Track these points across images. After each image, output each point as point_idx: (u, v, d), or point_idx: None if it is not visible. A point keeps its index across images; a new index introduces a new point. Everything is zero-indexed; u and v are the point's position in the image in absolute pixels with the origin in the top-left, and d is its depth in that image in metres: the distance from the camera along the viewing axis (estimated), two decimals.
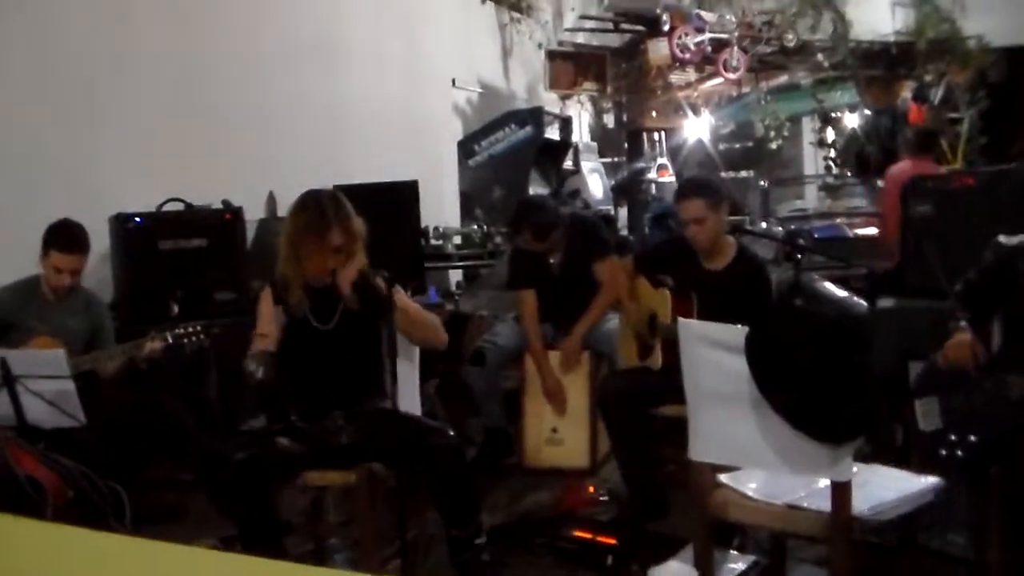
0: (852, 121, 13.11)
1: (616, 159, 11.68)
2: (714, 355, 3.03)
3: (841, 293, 5.78)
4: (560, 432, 5.57)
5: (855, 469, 2.92)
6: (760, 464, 3.10)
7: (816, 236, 7.75)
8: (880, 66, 11.90)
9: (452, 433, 3.81)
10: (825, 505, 2.95)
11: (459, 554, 3.77)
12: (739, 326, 2.95)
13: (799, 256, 4.57)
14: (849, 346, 2.82)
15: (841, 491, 2.86)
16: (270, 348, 3.87)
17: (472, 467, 4.23)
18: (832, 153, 13.75)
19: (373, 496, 3.85)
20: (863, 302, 5.52)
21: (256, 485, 3.63)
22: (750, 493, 3.20)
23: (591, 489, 5.09)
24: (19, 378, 3.85)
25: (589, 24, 11.53)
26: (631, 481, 4.77)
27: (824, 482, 3.05)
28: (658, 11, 10.40)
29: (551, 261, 5.63)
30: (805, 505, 3.06)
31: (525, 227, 5.59)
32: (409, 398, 4.09)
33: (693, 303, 4.58)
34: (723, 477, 3.30)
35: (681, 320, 3.18)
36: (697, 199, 4.57)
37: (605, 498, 4.99)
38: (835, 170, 13.23)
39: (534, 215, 5.60)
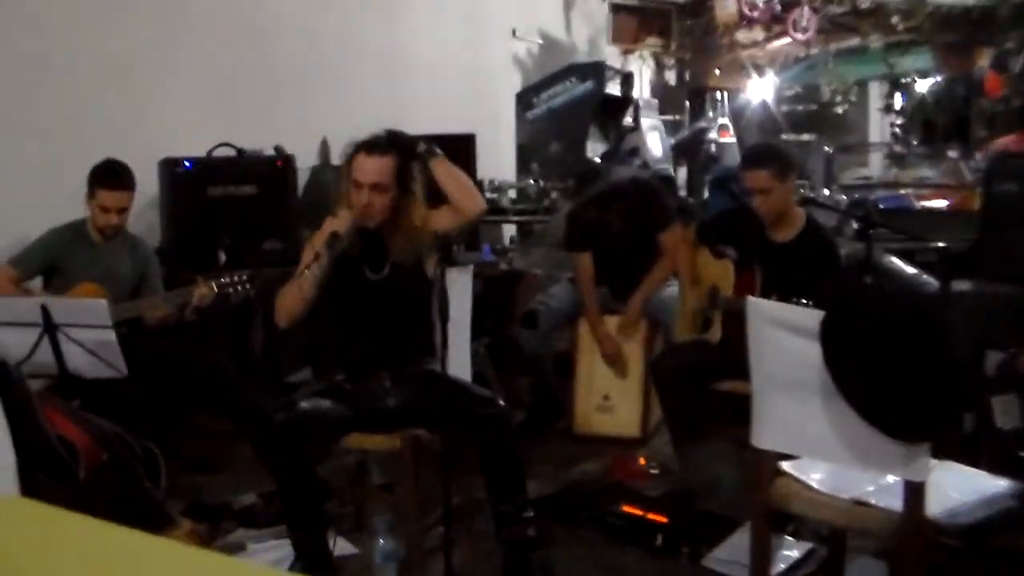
0: (922, 87, 12.75)
1: (677, 117, 11.42)
2: (785, 338, 2.84)
3: (911, 270, 5.60)
4: (612, 399, 5.42)
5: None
6: (828, 456, 2.93)
7: (880, 207, 7.50)
8: (958, 31, 11.48)
9: (502, 402, 3.65)
10: (895, 504, 2.77)
11: (504, 528, 3.62)
12: (814, 309, 2.77)
13: (870, 231, 4.38)
14: (934, 336, 2.62)
15: (915, 491, 2.68)
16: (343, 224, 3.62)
17: (520, 435, 4.06)
18: (898, 120, 13.41)
19: (417, 462, 3.74)
20: (934, 281, 5.32)
21: (296, 447, 3.51)
22: (814, 485, 3.03)
23: (642, 461, 4.95)
24: (60, 327, 3.76)
25: None
26: (684, 458, 4.60)
27: (893, 477, 2.89)
28: None
29: (610, 223, 5.45)
30: (873, 502, 2.89)
31: (586, 196, 5.46)
32: (459, 360, 3.95)
33: (756, 276, 4.39)
34: (785, 465, 3.13)
35: (751, 299, 2.99)
36: (763, 169, 4.35)
37: (655, 471, 4.85)
38: (904, 138, 12.90)
39: (596, 184, 5.46)
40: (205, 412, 4.99)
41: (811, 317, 2.74)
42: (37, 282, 4.64)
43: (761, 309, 2.93)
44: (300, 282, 3.63)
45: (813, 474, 3.09)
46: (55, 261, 4.56)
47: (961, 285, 4.97)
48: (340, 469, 4.31)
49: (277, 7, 6.87)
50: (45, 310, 3.76)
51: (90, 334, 3.77)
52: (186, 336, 4.70)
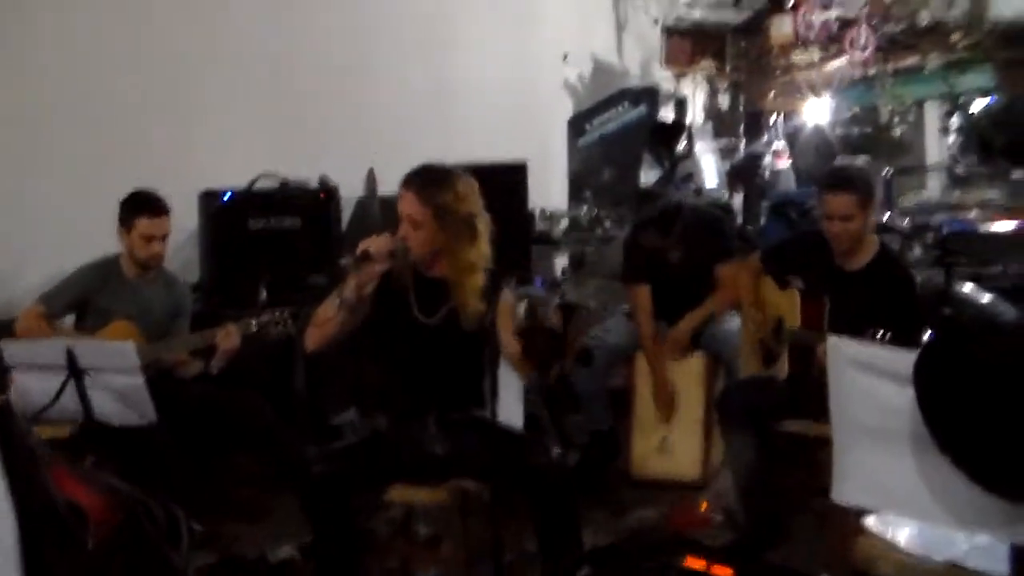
0: (979, 106, 12.41)
1: (731, 141, 11.16)
2: (871, 382, 2.55)
3: (987, 298, 5.28)
4: (670, 441, 5.13)
5: None
6: (920, 515, 2.63)
7: (944, 231, 7.19)
8: (1020, 47, 11.13)
9: (557, 450, 3.40)
10: (998, 568, 2.49)
11: None
12: (905, 350, 2.48)
13: (950, 262, 4.10)
14: None
15: (1022, 557, 2.39)
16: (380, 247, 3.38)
17: (575, 478, 3.79)
18: (953, 140, 13.06)
19: (465, 514, 3.51)
20: (1011, 309, 5.01)
21: (337, 501, 3.28)
22: (902, 544, 2.74)
23: (704, 506, 4.67)
24: (86, 370, 3.56)
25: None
26: (749, 503, 4.30)
27: (987, 538, 2.59)
28: None
29: (668, 254, 5.20)
30: (972, 566, 2.59)
31: (648, 224, 5.27)
32: (509, 407, 3.70)
33: (825, 307, 4.10)
34: (869, 521, 2.85)
35: (831, 339, 2.70)
36: (848, 194, 4.06)
37: (719, 518, 4.56)
38: (960, 159, 12.55)
39: (658, 211, 5.28)
40: (244, 457, 4.77)
41: (902, 359, 2.46)
42: (70, 320, 4.47)
43: (844, 351, 2.64)
44: (327, 305, 3.43)
45: (900, 531, 2.79)
46: (87, 298, 4.39)
47: None
48: (383, 522, 4.07)
49: (321, 36, 6.71)
50: (70, 353, 3.56)
51: (118, 378, 3.58)
52: (222, 378, 4.49)
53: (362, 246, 3.37)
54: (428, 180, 3.47)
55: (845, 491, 2.73)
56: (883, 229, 5.86)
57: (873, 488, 2.67)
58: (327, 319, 3.42)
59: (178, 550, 3.09)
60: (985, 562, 2.58)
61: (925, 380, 2.40)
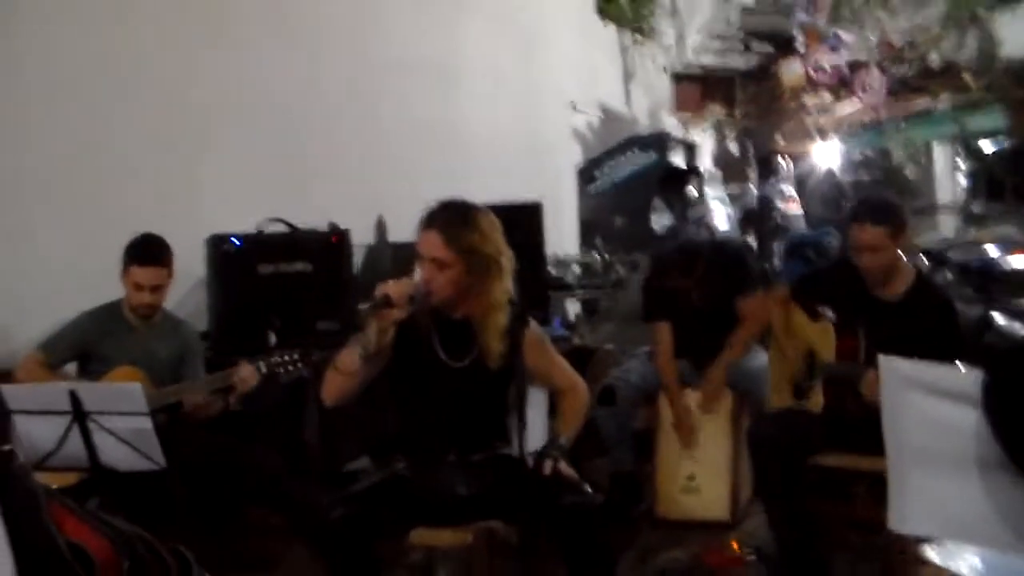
0: (987, 147, 12.36)
1: (741, 187, 11.07)
2: (930, 403, 2.39)
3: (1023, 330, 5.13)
4: (697, 480, 4.97)
5: None
6: (989, 542, 2.44)
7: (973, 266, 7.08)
8: None
9: (588, 488, 3.23)
10: None
11: None
12: (965, 369, 2.32)
13: (989, 287, 3.95)
14: None
15: None
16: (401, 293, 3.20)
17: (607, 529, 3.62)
18: (964, 181, 12.99)
19: (492, 558, 3.32)
20: None
21: (356, 545, 3.11)
22: (967, 574, 2.55)
23: (735, 546, 4.48)
24: (91, 414, 3.39)
25: (716, 44, 10.94)
26: (783, 541, 4.12)
27: None
28: (792, 30, 9.79)
29: (689, 290, 5.06)
30: None
31: (668, 261, 5.24)
32: (536, 443, 3.52)
33: (860, 339, 3.95)
34: (928, 552, 2.66)
35: (883, 359, 2.54)
36: (879, 226, 3.93)
37: (752, 557, 4.38)
38: (973, 200, 12.47)
39: (677, 247, 5.27)
40: (257, 506, 4.59)
41: (963, 378, 2.30)
42: (72, 369, 4.31)
43: (900, 371, 2.48)
44: (345, 354, 3.25)
45: (962, 560, 2.61)
46: (88, 346, 4.24)
47: None
48: (405, 568, 3.88)
49: (332, 80, 6.63)
50: (74, 396, 3.40)
51: (124, 422, 3.40)
52: (231, 424, 4.33)
53: (381, 290, 3.21)
54: (452, 219, 3.31)
55: (904, 519, 2.56)
56: (948, 263, 5.73)
57: (934, 515, 2.49)
58: (348, 372, 3.25)
59: None
60: None
61: (997, 404, 2.24)
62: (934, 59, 10.48)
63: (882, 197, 4.34)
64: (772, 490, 4.15)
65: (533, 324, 3.46)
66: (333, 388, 3.34)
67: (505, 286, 3.37)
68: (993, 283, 5.57)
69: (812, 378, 4.15)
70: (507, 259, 3.38)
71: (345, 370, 3.25)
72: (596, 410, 4.93)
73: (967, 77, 10.73)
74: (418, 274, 3.33)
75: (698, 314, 5.05)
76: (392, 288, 3.20)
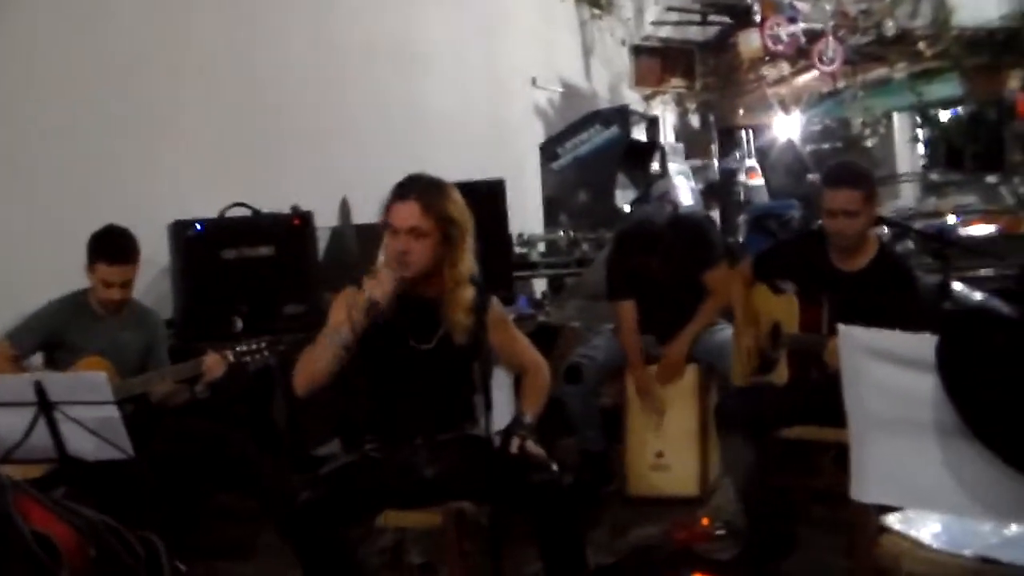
0: (945, 116, 12.50)
1: (704, 161, 11.12)
2: (889, 371, 2.41)
3: (979, 296, 5.19)
4: (666, 456, 4.99)
5: None
6: (951, 508, 2.48)
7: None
8: (985, 54, 11.16)
9: (555, 466, 3.25)
10: None
11: None
12: (923, 335, 2.35)
13: (947, 255, 4.00)
14: None
15: None
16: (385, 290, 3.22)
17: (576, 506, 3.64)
18: (922, 150, 13.11)
19: (461, 538, 3.33)
20: (1005, 305, 4.91)
21: (325, 528, 3.12)
22: (928, 541, 2.59)
23: (705, 521, 4.52)
24: (57, 404, 3.37)
25: (674, 17, 10.95)
26: (753, 514, 4.15)
27: (1017, 528, 2.46)
28: (749, 1, 9.82)
29: (652, 267, 5.07)
30: (1003, 559, 2.45)
31: (630, 238, 5.19)
32: (503, 423, 3.54)
33: (824, 310, 3.98)
34: (889, 520, 2.70)
35: (843, 328, 2.56)
36: (855, 189, 3.95)
37: (722, 532, 4.42)
38: (933, 168, 12.59)
39: (639, 224, 5.23)
40: (228, 492, 4.59)
41: (921, 344, 2.32)
42: (38, 358, 4.28)
43: (857, 339, 2.50)
44: (322, 347, 3.26)
45: (924, 528, 2.65)
46: (55, 336, 4.20)
47: None
48: (374, 552, 3.89)
49: (294, 62, 6.60)
50: (39, 387, 3.37)
51: (90, 411, 3.37)
52: (201, 411, 4.32)
53: (368, 294, 3.21)
54: (427, 188, 3.33)
55: (866, 489, 2.58)
56: (894, 224, 5.76)
57: (896, 484, 2.51)
58: (329, 371, 3.26)
59: None
60: (1018, 554, 2.44)
61: (951, 367, 2.27)
62: (889, 27, 10.55)
63: (853, 162, 4.36)
64: (740, 465, 4.15)
65: (495, 302, 3.48)
66: (305, 379, 3.32)
67: (470, 261, 3.38)
68: (952, 252, 5.63)
69: (777, 350, 4.18)
70: (471, 234, 3.39)
71: (327, 369, 3.25)
72: (563, 388, 4.96)
73: (922, 46, 10.82)
74: (383, 255, 3.34)
75: (662, 289, 5.03)
76: (377, 289, 3.21)
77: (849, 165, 4.38)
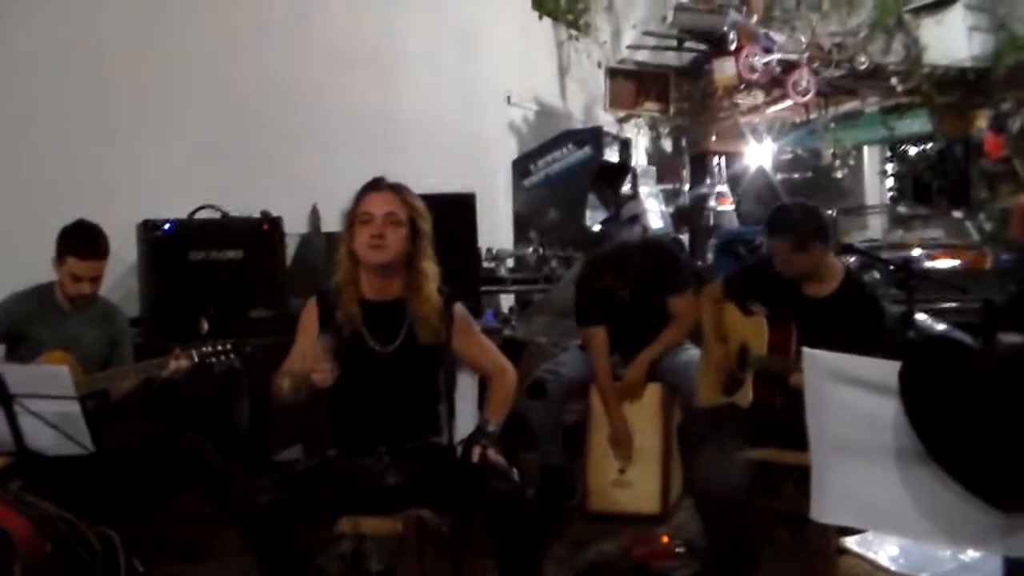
0: (915, 151, 12.64)
1: (675, 185, 11.18)
2: (852, 395, 2.43)
3: (941, 327, 5.25)
4: (628, 474, 5.00)
5: None
6: (909, 532, 2.50)
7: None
8: (955, 92, 11.33)
9: (516, 475, 3.25)
10: None
11: None
12: (886, 360, 2.37)
13: (912, 285, 4.04)
14: None
15: (1017, 570, 2.28)
16: (326, 383, 3.27)
17: (535, 516, 3.64)
18: (891, 183, 13.24)
19: (422, 546, 3.32)
20: (966, 337, 4.96)
21: (284, 532, 3.09)
22: (886, 564, 2.62)
23: (665, 539, 4.52)
24: (17, 397, 3.34)
25: (651, 42, 11.02)
26: (713, 533, 4.16)
27: (974, 553, 2.49)
28: (725, 28, 9.90)
29: (621, 293, 5.09)
30: None
31: (600, 264, 5.18)
32: (465, 433, 3.54)
33: (793, 333, 4.01)
34: (849, 542, 2.73)
35: (807, 351, 2.58)
36: (783, 239, 4.03)
37: (681, 550, 4.42)
38: (901, 201, 12.73)
39: (609, 251, 5.19)
40: (187, 494, 4.55)
41: (884, 369, 2.35)
42: (0, 351, 4.24)
43: (821, 363, 2.52)
44: (291, 388, 3.34)
45: (883, 550, 2.68)
46: (18, 329, 4.16)
47: (1011, 338, 4.59)
48: (333, 558, 3.87)
49: (269, 67, 6.60)
50: None
51: (51, 405, 3.34)
52: (164, 412, 4.29)
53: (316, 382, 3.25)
54: (398, 184, 3.41)
55: (825, 510, 2.60)
56: (860, 252, 5.80)
57: (855, 506, 2.54)
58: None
59: None
60: None
61: (913, 392, 2.29)
62: (862, 62, 10.67)
63: (793, 209, 4.29)
64: (702, 484, 4.16)
65: (460, 307, 3.49)
66: (283, 402, 3.37)
67: (433, 264, 3.41)
68: (917, 283, 5.69)
69: (744, 372, 4.21)
70: (431, 240, 3.43)
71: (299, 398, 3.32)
72: (526, 403, 4.95)
73: (894, 81, 10.95)
74: (340, 263, 3.38)
75: (629, 311, 5.05)
76: (320, 379, 3.23)
77: (785, 211, 4.29)
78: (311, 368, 3.24)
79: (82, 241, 4.18)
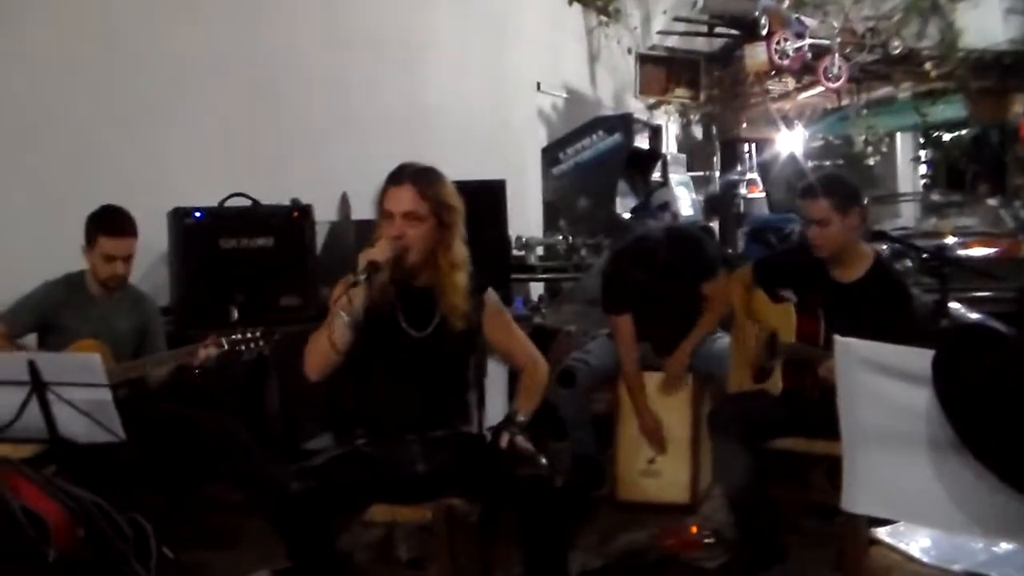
0: (949, 137, 12.50)
1: (706, 173, 11.10)
2: (884, 383, 2.41)
3: (975, 316, 5.20)
4: (658, 463, 4.99)
5: None
6: (941, 523, 2.48)
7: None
8: (991, 77, 11.15)
9: (544, 460, 3.23)
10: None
11: None
12: (920, 349, 2.34)
13: (945, 274, 4.00)
14: None
15: None
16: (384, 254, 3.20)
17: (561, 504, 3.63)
18: (924, 170, 13.10)
19: (451, 534, 3.32)
20: (1001, 326, 4.91)
21: (315, 520, 3.10)
22: (918, 555, 2.59)
23: (694, 529, 4.51)
24: (50, 385, 3.36)
25: (681, 27, 10.92)
26: (743, 523, 4.15)
27: (1007, 545, 2.45)
28: (756, 13, 9.79)
29: (649, 279, 5.06)
30: (992, 575, 2.45)
31: (629, 252, 5.14)
32: (496, 418, 3.54)
33: (821, 320, 3.99)
34: (880, 532, 2.70)
35: (839, 340, 2.56)
36: (821, 198, 3.97)
37: (710, 540, 4.41)
38: (934, 188, 12.60)
39: (638, 239, 5.17)
40: (216, 481, 4.57)
41: (917, 358, 2.32)
42: (32, 340, 4.27)
43: (854, 351, 2.50)
44: (332, 327, 3.21)
45: (914, 541, 2.65)
46: (49, 317, 4.20)
47: None
48: (363, 546, 3.88)
49: (299, 55, 6.60)
50: (33, 366, 3.36)
51: (83, 393, 3.37)
52: (196, 399, 4.31)
53: (366, 257, 3.19)
54: (421, 173, 3.34)
55: (856, 500, 2.58)
56: (893, 239, 5.74)
57: (887, 496, 2.51)
58: (342, 348, 3.21)
59: (147, 567, 2.90)
60: (1008, 571, 2.43)
61: (946, 381, 2.26)
62: (896, 47, 10.52)
63: (832, 173, 4.34)
64: (732, 472, 4.14)
65: (491, 293, 3.47)
66: (319, 362, 3.28)
67: (464, 249, 3.38)
68: (950, 271, 5.64)
69: (773, 359, 4.18)
70: (463, 222, 3.39)
71: (341, 347, 3.20)
72: (556, 391, 4.94)
73: (928, 66, 10.81)
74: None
75: (659, 300, 5.01)
76: (377, 253, 3.20)
77: (826, 176, 4.37)
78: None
79: (112, 220, 4.23)
